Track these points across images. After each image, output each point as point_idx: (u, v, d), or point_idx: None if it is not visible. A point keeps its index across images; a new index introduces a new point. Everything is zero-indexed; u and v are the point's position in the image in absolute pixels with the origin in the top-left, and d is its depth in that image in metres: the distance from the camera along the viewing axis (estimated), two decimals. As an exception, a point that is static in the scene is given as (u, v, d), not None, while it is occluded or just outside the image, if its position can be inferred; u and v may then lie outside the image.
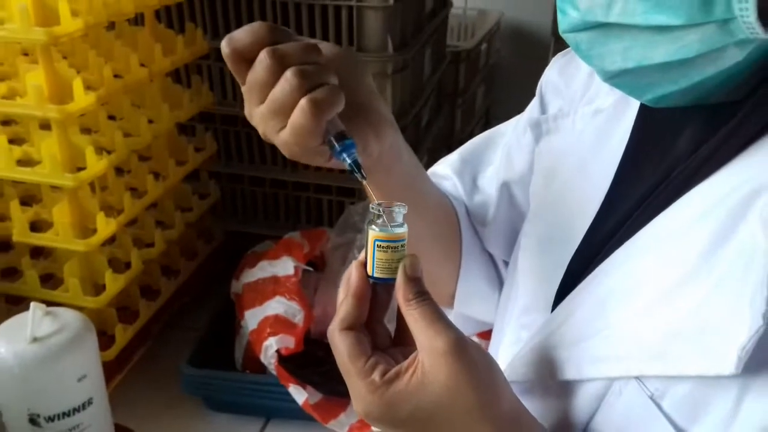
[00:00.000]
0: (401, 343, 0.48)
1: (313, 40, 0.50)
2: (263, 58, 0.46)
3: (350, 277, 0.47)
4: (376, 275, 0.47)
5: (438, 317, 0.44)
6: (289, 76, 0.46)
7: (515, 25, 1.95)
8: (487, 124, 1.99)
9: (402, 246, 0.46)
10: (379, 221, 0.46)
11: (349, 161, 0.48)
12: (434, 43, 1.41)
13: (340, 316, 0.47)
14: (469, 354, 0.43)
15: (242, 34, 0.48)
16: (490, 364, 0.45)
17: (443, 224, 0.68)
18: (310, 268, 1.08)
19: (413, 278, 0.46)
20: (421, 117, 1.38)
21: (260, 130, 0.50)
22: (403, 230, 0.46)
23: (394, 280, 0.46)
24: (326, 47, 0.51)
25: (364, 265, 0.47)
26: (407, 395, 0.43)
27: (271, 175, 1.25)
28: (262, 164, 1.26)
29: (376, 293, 0.48)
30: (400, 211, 0.47)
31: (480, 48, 1.72)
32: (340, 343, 0.46)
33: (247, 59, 0.48)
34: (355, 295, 0.47)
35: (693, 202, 0.45)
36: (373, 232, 0.46)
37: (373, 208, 0.47)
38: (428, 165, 0.73)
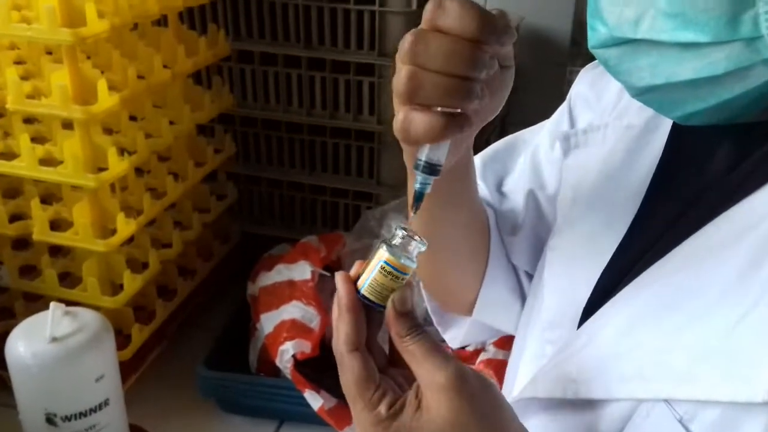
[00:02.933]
0: (398, 364, 0.48)
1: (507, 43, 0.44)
2: (405, 50, 0.43)
3: (338, 291, 0.46)
4: (364, 293, 0.46)
5: (435, 350, 0.43)
6: (400, 90, 0.43)
7: (535, 30, 1.93)
8: (503, 129, 1.98)
9: (403, 279, 0.46)
10: (395, 243, 0.46)
11: (417, 187, 0.47)
12: (454, 49, 1.40)
13: (342, 337, 0.45)
14: (471, 387, 0.43)
15: (453, 17, 0.42)
16: (494, 396, 0.44)
17: (478, 225, 0.67)
18: (327, 273, 1.08)
19: (404, 313, 0.45)
20: (440, 122, 1.37)
21: None
22: (413, 266, 0.46)
23: (379, 306, 0.46)
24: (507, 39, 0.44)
25: (351, 279, 0.47)
26: (410, 430, 0.43)
27: (289, 177, 1.25)
28: (280, 166, 1.25)
29: (368, 311, 0.47)
30: (417, 246, 0.46)
31: (499, 53, 1.71)
32: (348, 367, 0.45)
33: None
34: (349, 309, 0.46)
35: (727, 223, 0.44)
36: (384, 253, 0.45)
37: (395, 228, 0.46)
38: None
